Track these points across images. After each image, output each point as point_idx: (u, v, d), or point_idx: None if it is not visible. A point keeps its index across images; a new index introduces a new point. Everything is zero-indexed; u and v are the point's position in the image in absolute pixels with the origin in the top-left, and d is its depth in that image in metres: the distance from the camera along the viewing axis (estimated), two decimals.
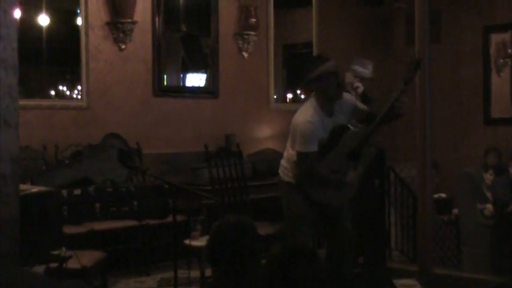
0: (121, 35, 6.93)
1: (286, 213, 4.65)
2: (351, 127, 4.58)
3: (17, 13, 3.96)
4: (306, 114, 4.45)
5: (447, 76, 8.83)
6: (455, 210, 7.92)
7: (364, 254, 5.90)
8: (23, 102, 4.83)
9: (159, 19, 7.25)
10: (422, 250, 5.55)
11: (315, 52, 8.55)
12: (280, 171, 4.72)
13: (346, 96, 4.66)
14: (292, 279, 2.47)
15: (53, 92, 6.93)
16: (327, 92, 4.45)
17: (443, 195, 8.42)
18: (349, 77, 5.55)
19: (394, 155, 7.86)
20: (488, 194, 7.06)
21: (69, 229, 5.44)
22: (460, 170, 7.60)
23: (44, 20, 6.60)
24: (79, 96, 6.84)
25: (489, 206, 6.97)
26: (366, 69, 5.69)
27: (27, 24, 6.43)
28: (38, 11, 6.58)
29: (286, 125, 4.89)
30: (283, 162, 4.70)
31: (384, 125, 4.60)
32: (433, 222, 5.98)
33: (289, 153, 4.61)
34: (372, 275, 5.76)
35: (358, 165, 4.53)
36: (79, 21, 6.77)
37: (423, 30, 5.41)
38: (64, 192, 5.86)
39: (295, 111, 4.59)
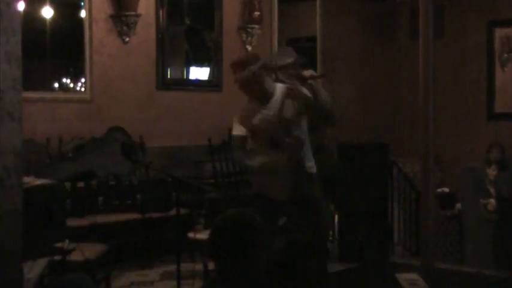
0: (125, 28, 6.92)
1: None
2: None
3: (21, 5, 3.96)
4: None
5: (451, 71, 8.82)
6: (458, 205, 7.92)
7: (367, 249, 5.91)
8: (26, 95, 4.82)
9: (163, 12, 7.24)
10: (425, 245, 5.54)
11: (319, 46, 8.54)
12: None
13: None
14: (294, 272, 2.47)
15: (56, 85, 6.94)
16: None
17: (446, 190, 8.42)
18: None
19: (397, 150, 7.84)
20: (492, 189, 7.07)
21: (72, 222, 5.44)
22: (463, 165, 7.61)
23: (47, 12, 6.61)
24: (83, 89, 6.85)
25: (492, 201, 6.98)
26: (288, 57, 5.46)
27: (31, 17, 6.43)
28: (41, 3, 6.59)
29: None
30: None
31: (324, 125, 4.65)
32: (436, 217, 5.98)
33: None
34: (375, 270, 5.76)
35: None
36: (83, 14, 6.77)
37: (427, 25, 5.39)
38: (67, 185, 5.87)
39: None
